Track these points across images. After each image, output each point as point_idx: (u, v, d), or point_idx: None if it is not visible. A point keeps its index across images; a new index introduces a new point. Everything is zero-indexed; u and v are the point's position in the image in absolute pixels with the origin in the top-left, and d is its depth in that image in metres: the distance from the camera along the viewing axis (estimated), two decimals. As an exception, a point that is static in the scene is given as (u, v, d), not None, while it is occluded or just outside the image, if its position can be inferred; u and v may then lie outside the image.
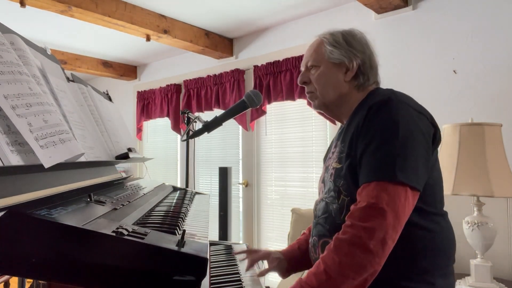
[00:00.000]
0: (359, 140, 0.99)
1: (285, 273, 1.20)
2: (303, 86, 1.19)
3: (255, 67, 3.42)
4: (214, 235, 2.98)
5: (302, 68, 1.19)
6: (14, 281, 0.80)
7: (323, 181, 1.15)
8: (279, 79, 3.24)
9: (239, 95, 3.55)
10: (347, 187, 1.00)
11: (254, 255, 1.14)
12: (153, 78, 4.58)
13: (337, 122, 2.91)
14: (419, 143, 0.96)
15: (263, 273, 1.09)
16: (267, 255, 1.18)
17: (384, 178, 0.92)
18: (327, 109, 1.17)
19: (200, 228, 1.10)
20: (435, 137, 1.02)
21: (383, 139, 0.95)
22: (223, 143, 3.87)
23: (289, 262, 1.19)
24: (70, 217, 0.69)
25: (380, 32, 2.72)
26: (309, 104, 3.09)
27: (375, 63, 1.15)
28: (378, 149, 0.94)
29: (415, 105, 1.02)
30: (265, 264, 1.19)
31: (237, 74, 3.59)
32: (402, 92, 1.05)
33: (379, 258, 0.88)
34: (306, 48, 1.19)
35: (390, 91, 1.06)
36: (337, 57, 1.11)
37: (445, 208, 1.08)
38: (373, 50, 1.16)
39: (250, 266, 1.10)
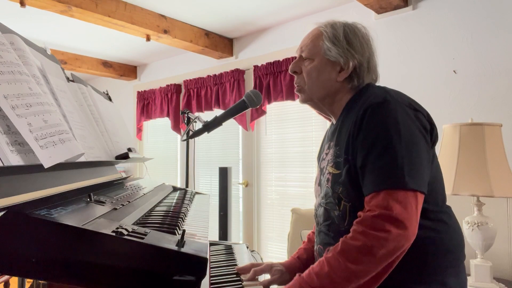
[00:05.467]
0: (357, 144, 0.96)
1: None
2: (293, 75, 1.15)
3: (255, 67, 3.42)
4: (214, 235, 2.98)
5: (297, 54, 1.14)
6: (14, 281, 0.80)
7: (319, 184, 1.13)
8: (279, 79, 3.24)
9: (239, 95, 3.55)
10: (347, 193, 0.98)
11: (256, 268, 1.13)
12: (153, 78, 4.58)
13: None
14: (421, 145, 0.95)
15: (265, 284, 1.09)
16: (269, 268, 1.17)
17: (394, 187, 0.89)
18: (314, 104, 1.15)
19: (200, 228, 1.10)
20: (432, 134, 1.00)
21: (386, 144, 0.92)
22: (223, 143, 3.87)
23: (291, 273, 1.18)
24: (70, 217, 0.69)
25: (380, 32, 2.72)
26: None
27: (374, 64, 1.11)
28: (382, 155, 0.91)
29: (411, 103, 0.99)
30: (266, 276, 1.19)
31: (237, 74, 3.59)
32: (395, 90, 1.02)
33: (387, 267, 0.89)
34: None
35: (384, 90, 1.02)
36: (334, 55, 1.05)
37: (445, 209, 1.07)
38: (374, 50, 1.11)
39: (253, 278, 1.11)
